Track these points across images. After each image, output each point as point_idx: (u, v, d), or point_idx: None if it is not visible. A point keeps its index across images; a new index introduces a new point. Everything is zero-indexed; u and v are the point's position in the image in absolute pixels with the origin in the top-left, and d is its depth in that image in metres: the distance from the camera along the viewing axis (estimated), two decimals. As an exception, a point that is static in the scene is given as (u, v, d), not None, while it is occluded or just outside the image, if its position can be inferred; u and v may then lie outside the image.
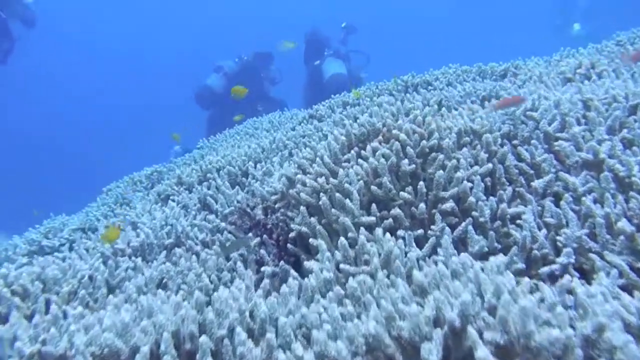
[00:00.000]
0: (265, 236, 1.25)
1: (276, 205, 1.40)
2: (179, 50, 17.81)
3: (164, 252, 1.38)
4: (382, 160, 1.13)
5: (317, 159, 1.26)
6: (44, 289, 1.09)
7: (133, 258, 1.33)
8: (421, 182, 1.06)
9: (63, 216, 4.08)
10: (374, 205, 1.07)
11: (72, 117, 16.70)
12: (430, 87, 2.36)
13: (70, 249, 2.57)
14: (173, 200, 1.72)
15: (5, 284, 1.06)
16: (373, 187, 1.10)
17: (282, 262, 1.15)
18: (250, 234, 1.36)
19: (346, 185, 1.11)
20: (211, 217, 1.49)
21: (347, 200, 1.07)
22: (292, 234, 1.20)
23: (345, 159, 1.27)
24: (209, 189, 1.68)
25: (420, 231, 1.02)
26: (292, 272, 1.10)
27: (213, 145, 3.13)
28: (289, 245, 1.20)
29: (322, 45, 5.91)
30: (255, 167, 1.76)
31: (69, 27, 16.57)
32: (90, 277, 1.17)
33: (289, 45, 2.84)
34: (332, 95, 4.93)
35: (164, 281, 1.11)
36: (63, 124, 16.34)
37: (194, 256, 1.17)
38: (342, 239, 0.97)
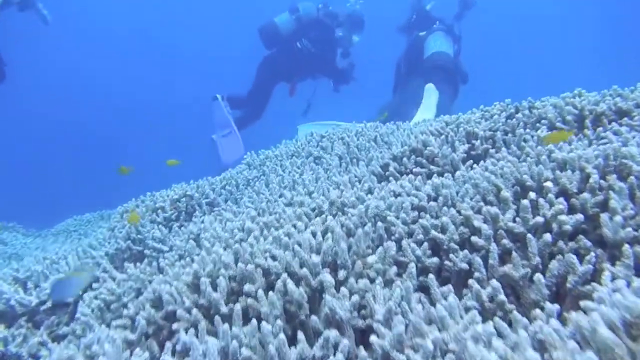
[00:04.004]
0: None
1: None
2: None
3: None
4: None
5: None
6: None
7: None
8: None
9: (58, 238, 3.44)
10: None
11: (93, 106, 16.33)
12: (631, 121, 1.38)
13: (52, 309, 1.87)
14: (180, 342, 0.90)
15: None
16: None
17: None
18: None
19: None
20: None
21: None
22: None
23: None
24: (244, 333, 0.84)
25: None
26: None
27: (263, 167, 2.30)
28: None
29: (429, 18, 4.94)
30: (335, 285, 0.90)
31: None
32: None
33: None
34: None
35: None
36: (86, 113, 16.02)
37: None
38: None
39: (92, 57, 16.01)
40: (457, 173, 1.30)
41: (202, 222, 1.97)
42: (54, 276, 1.83)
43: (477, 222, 1.00)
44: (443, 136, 1.61)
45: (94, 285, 1.58)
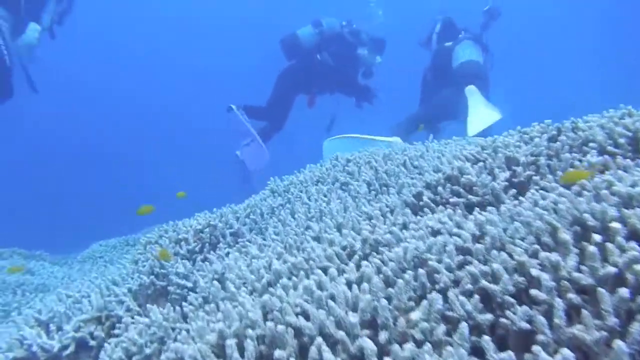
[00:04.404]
0: None
1: None
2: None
3: None
4: None
5: None
6: None
7: None
8: None
9: (82, 275, 3.40)
10: None
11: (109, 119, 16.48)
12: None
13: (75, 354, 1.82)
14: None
15: None
16: None
17: None
18: None
19: None
20: None
21: None
22: None
23: None
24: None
25: None
26: None
27: (287, 194, 2.22)
28: None
29: (454, 28, 4.86)
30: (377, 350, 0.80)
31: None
32: None
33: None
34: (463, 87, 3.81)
35: None
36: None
37: None
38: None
39: (108, 74, 16.42)
40: (503, 207, 1.18)
41: (227, 255, 1.89)
42: (76, 317, 1.78)
43: (535, 271, 0.88)
44: (481, 162, 1.49)
45: (117, 331, 1.52)
